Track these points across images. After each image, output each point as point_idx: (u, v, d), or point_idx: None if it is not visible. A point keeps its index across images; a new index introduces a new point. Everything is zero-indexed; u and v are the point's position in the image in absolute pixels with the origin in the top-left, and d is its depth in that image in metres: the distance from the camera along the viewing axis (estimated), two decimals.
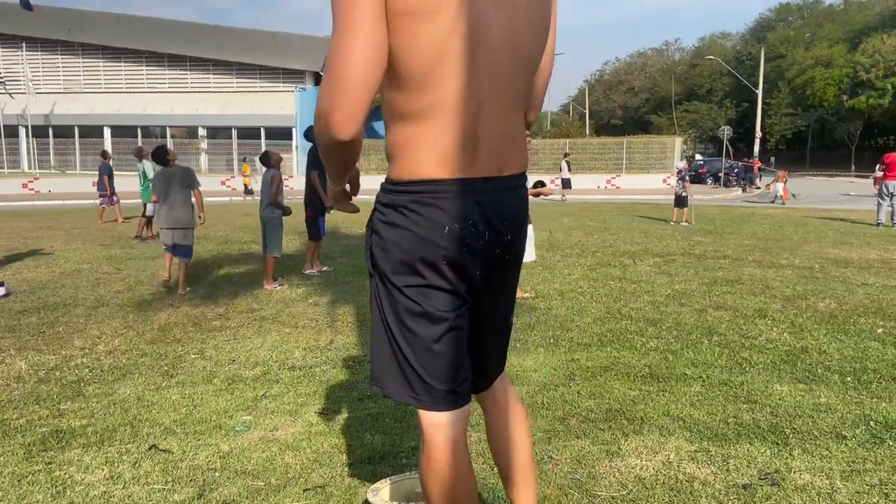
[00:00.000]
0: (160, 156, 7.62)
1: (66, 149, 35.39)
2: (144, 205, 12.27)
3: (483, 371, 1.85)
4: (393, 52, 1.44)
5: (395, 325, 1.62)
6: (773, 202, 21.86)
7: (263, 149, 32.87)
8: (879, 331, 5.11)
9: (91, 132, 35.19)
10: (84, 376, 4.47)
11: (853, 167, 43.11)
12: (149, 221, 12.10)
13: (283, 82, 33.88)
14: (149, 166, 12.25)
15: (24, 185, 27.37)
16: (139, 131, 35.06)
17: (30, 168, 35.35)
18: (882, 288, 6.97)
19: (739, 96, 57.01)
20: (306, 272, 8.40)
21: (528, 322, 5.65)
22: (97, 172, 14.94)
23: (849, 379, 3.86)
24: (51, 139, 35.67)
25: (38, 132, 35.39)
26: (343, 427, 3.39)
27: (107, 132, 35.31)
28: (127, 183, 21.95)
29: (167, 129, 35.17)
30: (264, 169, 7.73)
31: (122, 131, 35.02)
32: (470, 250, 1.59)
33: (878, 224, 13.50)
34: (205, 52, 33.79)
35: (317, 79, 33.84)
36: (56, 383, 4.31)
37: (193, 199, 7.49)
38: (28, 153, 35.85)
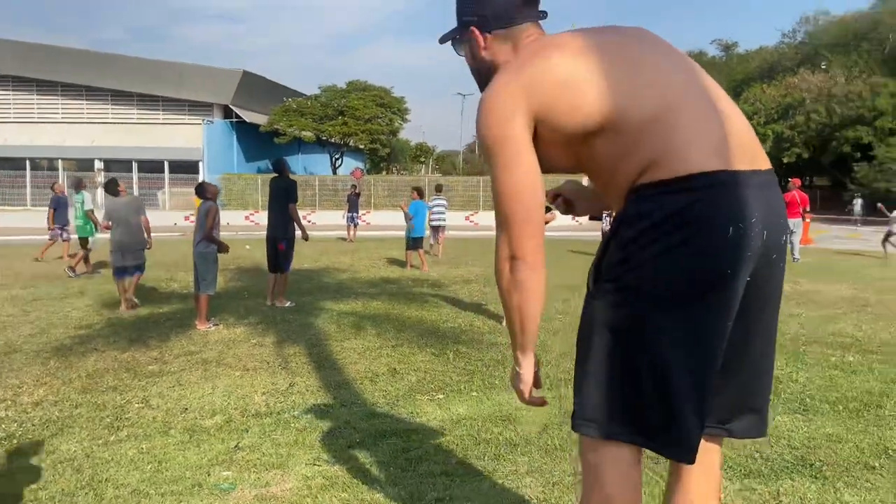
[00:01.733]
0: (111, 188, 8.80)
1: None
2: (82, 239, 11.45)
3: (751, 401, 1.57)
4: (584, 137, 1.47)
5: (642, 355, 1.39)
6: None
7: (167, 183, 31.56)
8: (833, 359, 5.32)
9: None
10: (13, 432, 3.92)
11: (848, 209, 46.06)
12: (86, 256, 11.41)
13: (189, 114, 32.61)
14: (87, 197, 11.49)
15: None
16: (27, 163, 32.66)
17: None
18: (809, 318, 7.33)
19: None
20: (278, 305, 8.11)
21: (495, 358, 5.51)
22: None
23: (840, 408, 3.96)
24: None
25: None
26: (346, 479, 3.09)
27: None
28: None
29: (59, 161, 32.96)
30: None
31: (7, 163, 32.48)
32: (752, 256, 1.39)
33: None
34: (102, 82, 32.05)
35: (225, 112, 32.80)
36: None
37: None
38: None
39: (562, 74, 1.45)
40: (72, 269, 11.14)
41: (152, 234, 8.91)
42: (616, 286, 1.43)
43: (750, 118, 42.11)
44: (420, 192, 13.03)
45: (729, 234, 1.34)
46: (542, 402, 1.63)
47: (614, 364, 1.43)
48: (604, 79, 1.43)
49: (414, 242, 12.39)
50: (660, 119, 1.40)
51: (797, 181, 15.17)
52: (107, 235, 8.77)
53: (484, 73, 1.69)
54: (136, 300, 8.28)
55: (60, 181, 14.46)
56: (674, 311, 1.37)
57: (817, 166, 48.21)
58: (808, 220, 17.79)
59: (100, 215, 9.78)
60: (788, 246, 1.45)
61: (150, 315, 7.75)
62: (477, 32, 1.66)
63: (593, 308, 1.48)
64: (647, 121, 1.40)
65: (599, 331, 1.45)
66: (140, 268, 8.45)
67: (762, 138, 43.79)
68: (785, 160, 44.31)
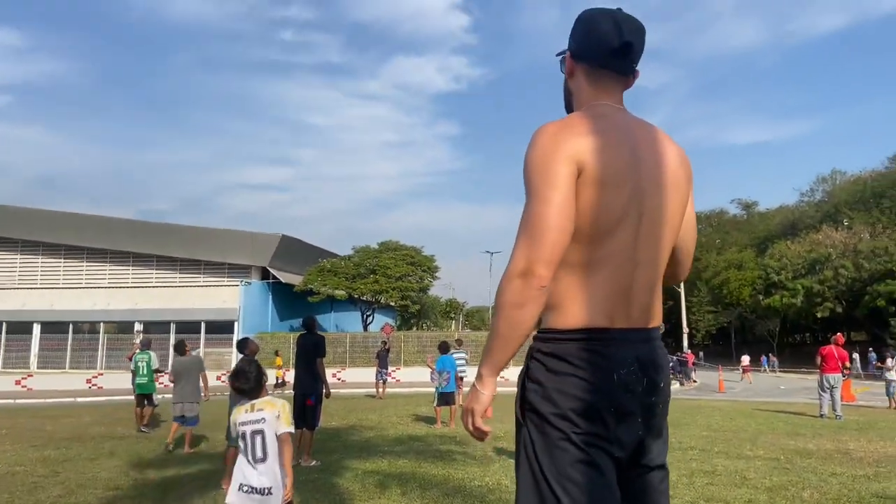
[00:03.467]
0: (180, 348, 10.10)
1: None
2: (147, 396, 12.09)
3: None
4: (579, 211, 1.64)
5: (552, 474, 1.60)
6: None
7: (203, 343, 32.18)
8: None
9: (19, 329, 33.74)
10: None
11: (776, 362, 45.06)
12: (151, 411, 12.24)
13: (229, 276, 33.98)
14: (154, 357, 12.18)
15: None
16: (70, 327, 33.84)
17: None
18: (852, 478, 7.06)
19: (664, 294, 60.30)
20: (303, 464, 7.95)
21: None
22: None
23: None
24: None
25: None
26: None
27: (36, 328, 33.93)
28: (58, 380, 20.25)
29: (100, 324, 34.09)
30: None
31: (52, 327, 33.72)
32: (634, 397, 1.65)
33: (821, 416, 13.87)
34: (149, 249, 33.94)
35: (263, 272, 34.11)
36: None
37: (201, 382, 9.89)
38: None
39: (610, 165, 1.66)
40: (144, 426, 11.85)
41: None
42: (534, 414, 1.66)
43: (777, 273, 42.43)
44: (446, 349, 13.05)
45: (614, 377, 1.63)
46: (485, 434, 1.71)
47: (534, 480, 1.63)
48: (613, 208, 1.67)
49: (444, 398, 12.30)
50: (596, 265, 1.67)
51: (840, 338, 14.92)
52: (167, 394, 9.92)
53: (567, 98, 1.96)
54: (192, 449, 9.47)
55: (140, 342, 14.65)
56: (569, 432, 1.60)
57: (853, 320, 47.46)
58: (847, 375, 17.32)
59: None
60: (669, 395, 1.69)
61: (176, 475, 7.76)
62: (568, 57, 1.89)
63: (521, 435, 1.69)
64: (596, 257, 1.67)
65: (521, 455, 1.67)
66: (193, 421, 9.65)
67: (792, 293, 43.70)
68: (819, 314, 43.84)
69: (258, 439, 3.71)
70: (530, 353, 1.72)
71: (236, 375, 4.00)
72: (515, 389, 1.73)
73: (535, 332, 1.73)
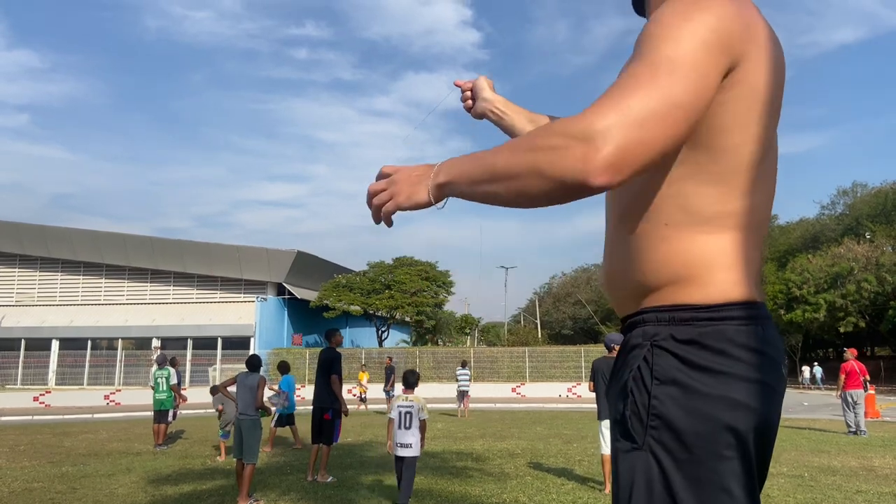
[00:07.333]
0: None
1: (8, 362, 33.88)
2: (163, 412, 12.20)
3: None
4: (723, 135, 1.15)
5: None
6: None
7: (219, 359, 32.33)
8: None
9: (38, 345, 34.08)
10: None
11: (800, 378, 44.36)
12: (166, 427, 12.28)
13: (245, 292, 34.16)
14: (173, 373, 12.36)
15: None
16: (89, 343, 34.13)
17: None
18: (878, 495, 6.89)
19: None
20: (319, 480, 7.98)
21: None
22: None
23: None
24: None
25: None
26: None
27: (54, 345, 34.26)
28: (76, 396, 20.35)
29: (119, 340, 34.35)
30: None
31: (70, 343, 34.03)
32: (782, 394, 1.22)
33: (849, 433, 13.66)
34: (166, 265, 34.24)
35: (278, 288, 34.26)
36: None
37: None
38: None
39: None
40: (158, 444, 11.82)
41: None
42: (671, 434, 1.13)
43: (799, 287, 41.75)
44: (286, 369, 12.07)
45: (782, 370, 1.20)
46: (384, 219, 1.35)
47: None
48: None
49: (287, 419, 11.86)
50: (740, 217, 1.19)
51: (853, 351, 14.76)
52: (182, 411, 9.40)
53: None
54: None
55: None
56: (725, 456, 1.11)
57: (877, 335, 46.64)
58: (871, 390, 16.97)
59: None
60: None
61: (193, 491, 7.73)
62: None
63: (638, 464, 1.15)
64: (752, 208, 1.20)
65: (649, 495, 1.14)
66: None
67: (814, 308, 43.06)
68: (842, 329, 43.08)
69: (408, 416, 6.24)
70: (653, 343, 1.17)
71: (406, 377, 6.75)
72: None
73: (653, 313, 1.20)
